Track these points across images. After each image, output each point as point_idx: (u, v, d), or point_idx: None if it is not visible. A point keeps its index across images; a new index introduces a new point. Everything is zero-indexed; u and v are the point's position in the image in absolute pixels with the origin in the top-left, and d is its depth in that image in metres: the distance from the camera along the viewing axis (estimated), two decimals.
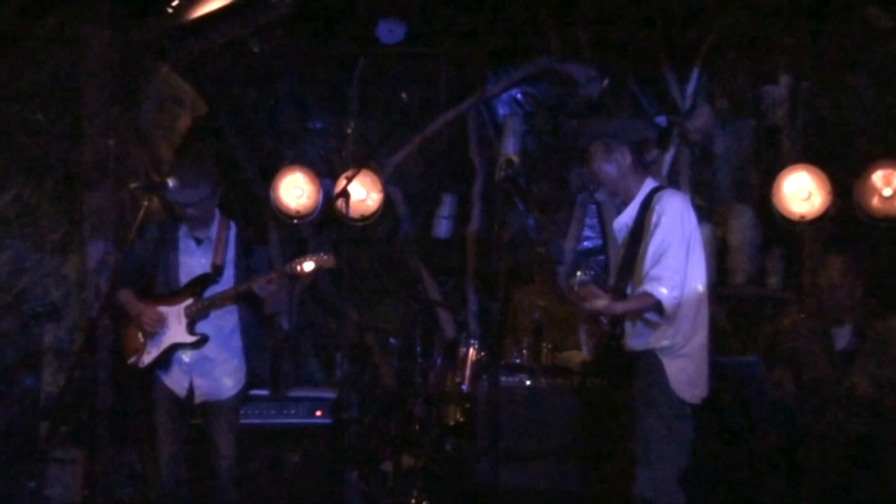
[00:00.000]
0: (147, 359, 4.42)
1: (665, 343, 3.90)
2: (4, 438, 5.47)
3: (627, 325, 4.02)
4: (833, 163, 6.40)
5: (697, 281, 3.95)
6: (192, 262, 4.51)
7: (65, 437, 5.66)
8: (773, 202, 6.40)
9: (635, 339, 3.99)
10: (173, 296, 4.46)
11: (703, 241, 4.06)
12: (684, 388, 3.90)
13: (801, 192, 6.31)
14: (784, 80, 6.64)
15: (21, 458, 5.49)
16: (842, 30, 6.32)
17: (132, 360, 4.43)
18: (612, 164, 4.07)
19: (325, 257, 4.50)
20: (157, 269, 4.54)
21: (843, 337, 5.05)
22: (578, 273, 3.87)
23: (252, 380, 4.72)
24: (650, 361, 3.92)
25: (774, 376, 5.09)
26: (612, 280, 6.64)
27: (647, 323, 3.93)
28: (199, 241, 4.51)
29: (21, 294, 5.80)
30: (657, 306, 3.84)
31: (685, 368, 3.91)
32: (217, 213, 4.56)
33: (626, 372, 4.03)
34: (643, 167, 4.12)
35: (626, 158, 4.05)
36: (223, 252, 4.50)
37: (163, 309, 4.44)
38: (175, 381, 4.45)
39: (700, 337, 3.97)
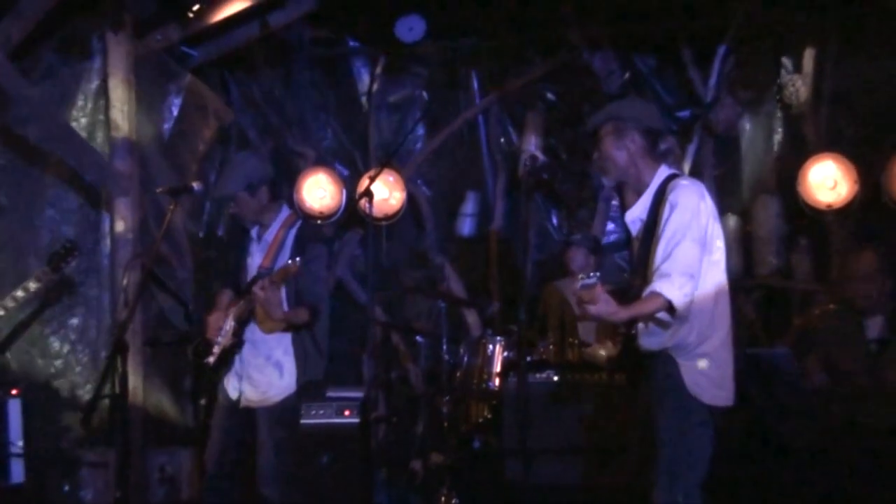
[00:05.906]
0: (212, 360, 4.54)
1: (679, 342, 3.61)
2: (41, 441, 5.53)
3: (640, 324, 3.73)
4: (859, 151, 6.32)
5: (716, 276, 3.67)
6: (252, 264, 4.58)
7: (97, 438, 5.73)
8: (799, 192, 6.34)
9: (648, 338, 3.71)
10: (238, 298, 4.55)
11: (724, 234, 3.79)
12: (704, 390, 3.61)
13: (828, 181, 6.25)
14: (808, 67, 6.58)
15: (56, 461, 5.55)
16: (866, 16, 6.24)
17: (207, 360, 4.54)
18: (621, 150, 3.79)
19: (291, 264, 4.21)
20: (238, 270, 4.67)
21: (874, 327, 4.97)
22: (581, 276, 3.54)
23: (305, 388, 4.61)
24: (665, 362, 3.65)
25: (806, 367, 5.03)
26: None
27: (660, 322, 3.64)
28: (260, 243, 4.57)
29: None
30: (667, 306, 3.53)
31: (703, 369, 3.63)
32: (284, 211, 4.58)
33: (641, 372, 3.78)
34: (657, 155, 3.82)
35: (636, 143, 3.78)
36: (275, 254, 4.50)
37: (225, 312, 4.53)
38: (230, 383, 4.56)
39: (720, 335, 3.66)
